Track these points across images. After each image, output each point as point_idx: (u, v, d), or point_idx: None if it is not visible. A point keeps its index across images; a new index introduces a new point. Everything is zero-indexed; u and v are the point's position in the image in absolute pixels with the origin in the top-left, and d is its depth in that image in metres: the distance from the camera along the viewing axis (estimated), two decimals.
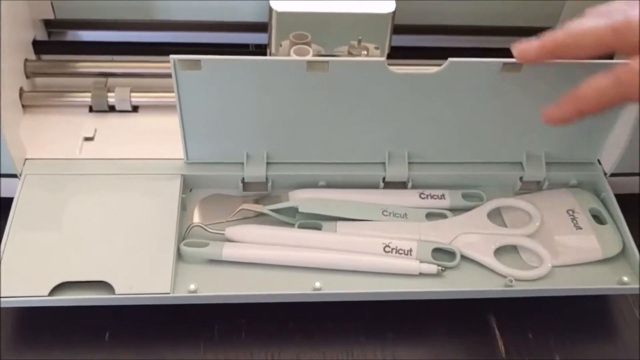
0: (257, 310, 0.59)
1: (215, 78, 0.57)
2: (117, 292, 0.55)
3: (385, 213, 0.63)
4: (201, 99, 0.59)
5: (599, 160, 0.68)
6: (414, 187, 0.65)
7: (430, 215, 0.64)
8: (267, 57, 0.56)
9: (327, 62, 0.56)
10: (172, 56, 0.55)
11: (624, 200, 0.65)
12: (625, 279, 0.59)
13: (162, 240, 0.58)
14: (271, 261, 0.59)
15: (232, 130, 0.62)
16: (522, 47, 0.51)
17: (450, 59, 0.57)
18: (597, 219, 0.65)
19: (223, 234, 0.61)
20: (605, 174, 0.67)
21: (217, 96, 0.58)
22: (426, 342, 0.60)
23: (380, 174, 0.65)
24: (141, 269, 0.56)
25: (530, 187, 0.67)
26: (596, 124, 0.64)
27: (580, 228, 0.63)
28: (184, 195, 0.63)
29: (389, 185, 0.65)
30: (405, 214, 0.63)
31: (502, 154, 0.66)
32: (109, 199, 0.61)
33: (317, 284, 0.57)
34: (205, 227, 0.61)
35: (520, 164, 0.66)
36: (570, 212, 0.64)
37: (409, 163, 0.64)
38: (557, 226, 0.63)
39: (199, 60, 0.55)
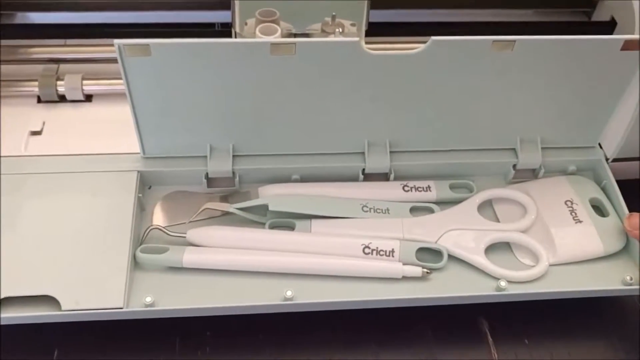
0: (223, 321, 0.53)
1: (168, 64, 0.51)
2: (63, 307, 0.49)
3: (365, 209, 0.58)
4: (154, 88, 0.53)
5: (600, 144, 0.63)
6: (396, 178, 0.61)
7: (414, 210, 0.59)
8: (224, 40, 0.50)
9: (294, 43, 0.50)
10: (116, 41, 0.49)
11: (627, 187, 0.60)
12: (630, 278, 0.54)
13: (115, 246, 0.53)
14: (238, 267, 0.54)
15: (192, 120, 0.56)
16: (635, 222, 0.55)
17: (433, 38, 0.51)
18: (598, 210, 0.60)
19: (185, 236, 0.55)
20: (606, 159, 0.62)
21: (172, 84, 0.52)
22: (412, 349, 0.55)
23: (359, 165, 0.60)
24: (91, 280, 0.51)
25: (524, 176, 0.62)
26: (597, 104, 0.59)
27: (580, 221, 0.58)
28: (140, 195, 0.57)
29: (369, 177, 0.61)
30: (388, 209, 0.58)
31: (494, 140, 0.61)
32: (57, 201, 0.55)
33: (289, 293, 0.51)
34: (164, 230, 0.55)
35: (513, 150, 0.61)
36: (569, 203, 0.59)
37: (391, 152, 0.60)
38: (555, 219, 0.58)
39: (147, 45, 0.49)
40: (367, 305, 0.53)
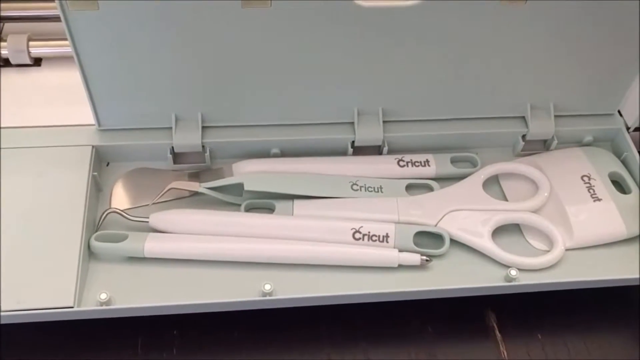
0: (192, 318, 0.48)
1: (121, 20, 0.44)
2: (3, 307, 0.43)
3: (355, 187, 0.53)
4: (106, 48, 0.46)
5: (619, 112, 0.57)
6: (390, 151, 0.56)
7: (411, 188, 0.54)
8: None
9: None
10: None
11: None
12: None
13: (65, 234, 0.47)
14: (208, 257, 0.48)
15: (153, 86, 0.50)
16: None
17: None
18: (618, 185, 0.54)
19: (147, 221, 0.49)
20: (627, 128, 0.57)
21: (126, 44, 0.46)
22: (408, 347, 0.49)
23: (348, 137, 0.55)
24: (36, 275, 0.45)
25: (535, 147, 0.57)
26: (618, 66, 0.53)
27: (599, 199, 0.52)
28: (95, 173, 0.51)
29: (359, 150, 0.56)
30: (381, 187, 0.53)
31: (501, 107, 0.56)
32: None
33: (267, 287, 0.46)
34: (124, 214, 0.49)
35: (522, 119, 0.56)
36: (586, 179, 0.54)
37: (384, 122, 0.55)
38: (570, 197, 0.52)
39: None
40: (357, 299, 0.47)
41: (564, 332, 0.50)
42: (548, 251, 0.50)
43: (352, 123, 0.54)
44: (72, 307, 0.44)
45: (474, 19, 0.48)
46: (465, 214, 0.51)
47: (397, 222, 0.50)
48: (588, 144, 0.57)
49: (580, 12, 0.48)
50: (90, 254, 0.48)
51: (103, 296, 0.44)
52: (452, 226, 0.50)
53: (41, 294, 0.44)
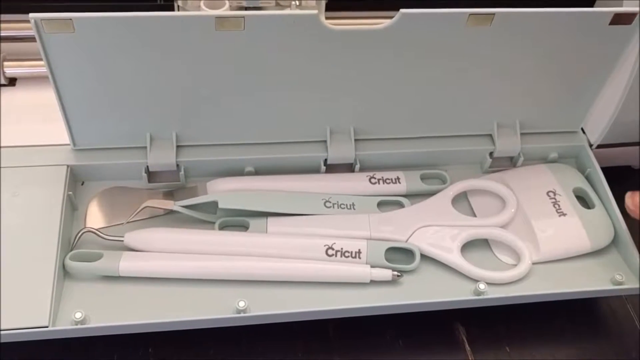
0: (167, 335, 0.47)
1: (96, 42, 0.44)
2: None
3: (327, 204, 0.53)
4: (81, 69, 0.46)
5: (583, 129, 0.58)
6: (362, 169, 0.56)
7: (383, 204, 0.54)
8: (160, 14, 0.43)
9: (242, 17, 0.44)
10: (32, 15, 0.42)
11: (613, 175, 0.56)
12: (619, 276, 0.50)
13: (40, 253, 0.46)
14: (183, 275, 0.48)
15: (128, 106, 0.50)
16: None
17: (402, 11, 0.46)
18: (583, 201, 0.55)
19: (122, 240, 0.49)
20: (590, 144, 0.58)
21: (101, 65, 0.46)
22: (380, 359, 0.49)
23: (321, 155, 0.55)
24: (10, 294, 0.44)
25: (502, 164, 0.58)
26: (581, 85, 0.54)
27: (564, 214, 0.53)
28: (70, 193, 0.50)
29: (331, 168, 0.56)
30: (353, 204, 0.53)
31: (469, 125, 0.56)
32: None
33: (242, 304, 0.46)
34: (99, 233, 0.49)
35: (489, 137, 0.57)
36: (551, 194, 0.54)
37: (356, 140, 0.55)
38: (536, 212, 0.53)
39: (69, 20, 0.42)
40: (331, 315, 0.47)
41: (532, 344, 0.50)
42: (515, 265, 0.50)
43: (325, 141, 0.54)
44: (47, 327, 0.43)
45: (441, 42, 0.48)
46: (435, 229, 0.51)
47: (369, 239, 0.50)
48: (553, 161, 0.57)
49: (544, 34, 0.49)
50: (65, 273, 0.47)
51: (78, 315, 0.44)
52: (423, 242, 0.50)
53: (15, 313, 0.43)
